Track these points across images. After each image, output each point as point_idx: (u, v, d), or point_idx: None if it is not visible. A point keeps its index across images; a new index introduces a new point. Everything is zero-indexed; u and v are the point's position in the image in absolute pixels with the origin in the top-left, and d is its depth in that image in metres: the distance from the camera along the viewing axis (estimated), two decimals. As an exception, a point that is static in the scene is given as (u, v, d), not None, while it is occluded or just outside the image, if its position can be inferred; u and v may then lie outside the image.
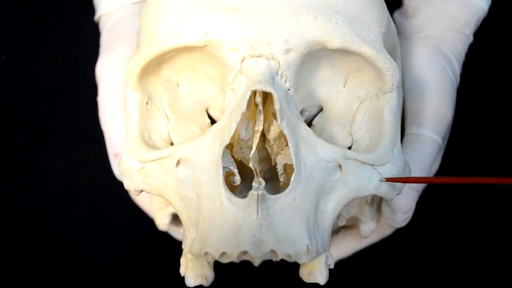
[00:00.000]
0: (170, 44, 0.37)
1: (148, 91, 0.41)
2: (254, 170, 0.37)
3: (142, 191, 0.41)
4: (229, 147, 0.37)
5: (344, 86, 0.41)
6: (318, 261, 0.37)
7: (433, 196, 0.58)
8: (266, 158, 0.41)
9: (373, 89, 0.40)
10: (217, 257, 0.34)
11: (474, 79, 0.60)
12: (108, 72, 0.50)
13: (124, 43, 0.50)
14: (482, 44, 0.56)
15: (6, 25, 0.72)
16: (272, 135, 0.38)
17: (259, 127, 0.37)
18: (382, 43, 0.39)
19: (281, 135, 0.38)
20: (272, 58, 0.36)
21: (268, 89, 0.35)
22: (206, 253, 0.34)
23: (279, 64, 0.37)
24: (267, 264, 0.37)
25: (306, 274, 0.38)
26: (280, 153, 0.38)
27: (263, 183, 0.35)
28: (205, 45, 0.37)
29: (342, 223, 0.52)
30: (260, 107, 0.36)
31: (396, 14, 0.56)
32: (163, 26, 0.38)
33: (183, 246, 0.39)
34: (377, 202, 0.52)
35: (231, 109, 0.37)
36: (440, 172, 0.53)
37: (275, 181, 0.40)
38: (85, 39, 0.60)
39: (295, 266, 0.38)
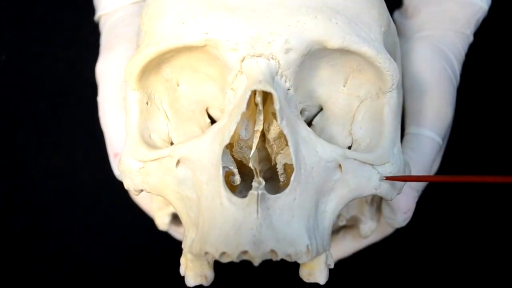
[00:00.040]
0: (170, 44, 0.37)
1: (148, 91, 0.41)
2: (254, 169, 0.37)
3: (142, 190, 0.41)
4: (229, 146, 0.37)
5: (344, 86, 0.41)
6: (318, 261, 0.37)
7: (433, 196, 0.58)
8: (266, 158, 0.41)
9: (373, 89, 0.40)
10: (217, 257, 0.34)
11: (474, 79, 0.60)
12: (108, 72, 0.50)
13: (124, 43, 0.50)
14: (482, 44, 0.56)
15: (6, 25, 0.72)
16: (272, 134, 0.38)
17: (259, 127, 0.37)
18: (382, 43, 0.39)
19: (281, 135, 0.38)
20: (272, 58, 0.36)
21: (268, 88, 0.35)
22: (206, 253, 0.34)
23: (279, 63, 0.37)
24: (267, 264, 0.37)
25: (306, 274, 0.38)
26: (280, 153, 0.38)
27: (263, 182, 0.35)
28: (205, 45, 0.37)
29: (342, 223, 0.52)
30: (260, 106, 0.36)
31: (396, 14, 0.56)
32: (163, 26, 0.38)
33: (183, 246, 0.39)
34: (377, 202, 0.52)
35: (231, 108, 0.37)
36: (440, 172, 0.53)
37: (275, 181, 0.40)
38: (85, 39, 0.60)
39: (295, 266, 0.38)
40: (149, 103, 0.41)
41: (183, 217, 0.39)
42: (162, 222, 0.53)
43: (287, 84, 0.37)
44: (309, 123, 0.42)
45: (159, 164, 0.38)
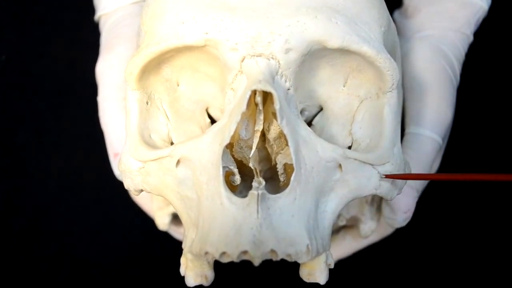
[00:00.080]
0: (170, 44, 0.37)
1: (148, 91, 0.41)
2: (254, 169, 0.37)
3: (142, 190, 0.41)
4: (229, 146, 0.37)
5: (344, 86, 0.41)
6: (318, 261, 0.37)
7: (433, 196, 0.58)
8: (266, 158, 0.41)
9: (373, 88, 0.40)
10: (217, 257, 0.34)
11: (474, 79, 0.60)
12: (108, 72, 0.50)
13: (124, 43, 0.50)
14: (482, 44, 0.56)
15: (6, 25, 0.72)
16: (272, 134, 0.38)
17: (259, 127, 0.37)
18: (382, 42, 0.39)
19: (281, 135, 0.38)
20: (272, 58, 0.36)
21: (268, 88, 0.35)
22: (206, 253, 0.34)
23: (279, 63, 0.37)
24: (267, 264, 0.37)
25: (306, 274, 0.38)
26: (280, 153, 0.38)
27: (263, 182, 0.35)
28: (205, 45, 0.37)
29: (342, 223, 0.52)
30: (260, 106, 0.36)
31: (396, 14, 0.56)
32: (163, 25, 0.38)
33: (183, 246, 0.39)
34: (377, 202, 0.52)
35: (231, 108, 0.37)
36: (440, 172, 0.53)
37: (275, 180, 0.40)
38: (85, 39, 0.60)
39: (295, 266, 0.38)
40: (149, 103, 0.41)
41: (183, 217, 0.39)
42: (162, 222, 0.53)
43: (287, 84, 0.37)
44: (309, 123, 0.42)
45: (159, 164, 0.38)
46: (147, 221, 0.56)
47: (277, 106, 0.34)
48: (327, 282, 0.38)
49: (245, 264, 0.38)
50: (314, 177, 0.36)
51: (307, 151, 0.36)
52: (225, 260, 0.34)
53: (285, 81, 0.37)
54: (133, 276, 0.72)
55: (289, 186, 0.35)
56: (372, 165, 0.38)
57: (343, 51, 0.37)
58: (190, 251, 0.37)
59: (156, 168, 0.39)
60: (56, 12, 0.72)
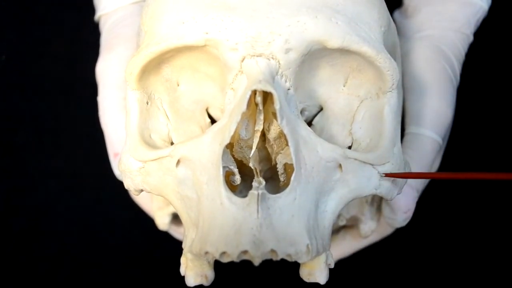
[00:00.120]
0: (170, 44, 0.37)
1: (148, 91, 0.41)
2: (254, 169, 0.37)
3: (142, 190, 0.41)
4: (229, 146, 0.37)
5: (344, 86, 0.41)
6: (318, 260, 0.37)
7: (433, 196, 0.58)
8: (266, 158, 0.41)
9: (373, 88, 0.40)
10: (217, 257, 0.34)
11: (474, 79, 0.60)
12: (108, 72, 0.50)
13: (124, 43, 0.50)
14: (482, 44, 0.56)
15: (6, 25, 0.72)
16: (272, 134, 0.38)
17: (259, 127, 0.37)
18: (382, 42, 0.39)
19: (281, 135, 0.38)
20: (272, 58, 0.36)
21: (268, 88, 0.35)
22: (206, 253, 0.34)
23: (279, 63, 0.37)
24: (267, 264, 0.37)
25: (306, 274, 0.38)
26: (280, 153, 0.38)
27: (263, 182, 0.35)
28: (205, 45, 0.37)
29: (342, 222, 0.52)
30: (260, 106, 0.36)
31: (396, 13, 0.56)
32: (163, 25, 0.38)
33: (183, 246, 0.39)
34: (377, 202, 0.52)
35: (231, 108, 0.37)
36: (440, 171, 0.53)
37: (275, 180, 0.40)
38: (85, 39, 0.60)
39: (295, 266, 0.38)
40: (149, 103, 0.41)
41: (183, 217, 0.39)
42: (162, 222, 0.53)
43: (287, 84, 0.37)
44: (309, 123, 0.42)
45: (159, 164, 0.38)
46: (147, 221, 0.56)
47: (277, 106, 0.34)
48: (327, 282, 0.38)
49: (245, 264, 0.38)
50: (314, 177, 0.36)
51: (307, 151, 0.36)
52: (225, 260, 0.34)
53: (285, 81, 0.37)
54: (133, 276, 0.72)
55: (289, 186, 0.35)
56: (372, 165, 0.38)
57: (343, 51, 0.37)
58: (190, 251, 0.37)
59: (156, 168, 0.39)
60: (56, 12, 0.72)
